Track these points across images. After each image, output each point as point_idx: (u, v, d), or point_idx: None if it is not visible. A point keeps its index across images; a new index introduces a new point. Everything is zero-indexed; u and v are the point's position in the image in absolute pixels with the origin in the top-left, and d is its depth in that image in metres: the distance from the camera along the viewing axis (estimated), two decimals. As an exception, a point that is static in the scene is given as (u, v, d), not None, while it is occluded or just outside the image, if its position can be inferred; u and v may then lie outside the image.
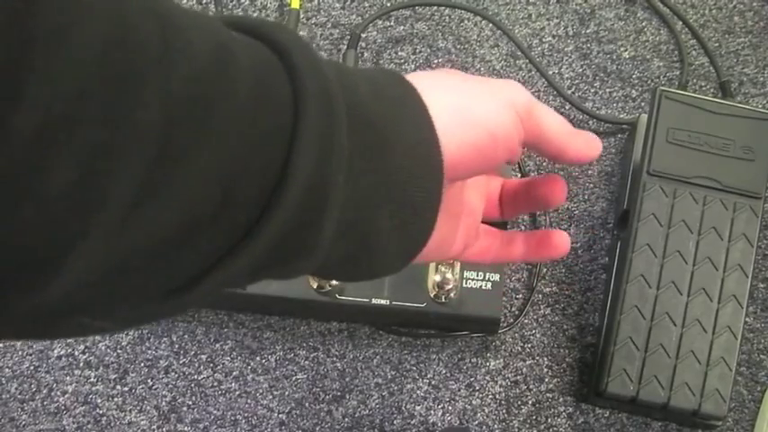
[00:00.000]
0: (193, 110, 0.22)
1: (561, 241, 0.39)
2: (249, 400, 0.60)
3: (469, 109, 0.32)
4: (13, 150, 0.18)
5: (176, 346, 0.61)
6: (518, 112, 0.34)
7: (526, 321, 0.62)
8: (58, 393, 0.60)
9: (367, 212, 0.28)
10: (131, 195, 0.20)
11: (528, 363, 0.61)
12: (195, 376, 0.61)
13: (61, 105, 0.18)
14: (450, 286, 0.56)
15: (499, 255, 0.40)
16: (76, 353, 0.61)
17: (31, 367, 0.61)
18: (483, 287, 0.57)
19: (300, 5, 0.70)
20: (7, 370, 0.61)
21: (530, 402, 0.60)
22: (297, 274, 0.28)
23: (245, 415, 0.60)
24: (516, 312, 0.62)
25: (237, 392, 0.60)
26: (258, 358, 0.61)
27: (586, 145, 0.36)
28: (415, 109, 0.30)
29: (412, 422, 0.59)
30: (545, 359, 0.61)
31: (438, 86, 0.32)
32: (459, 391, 0.60)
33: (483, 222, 0.41)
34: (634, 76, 0.69)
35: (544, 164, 0.66)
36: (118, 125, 0.19)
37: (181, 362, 0.61)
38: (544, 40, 0.70)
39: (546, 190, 0.38)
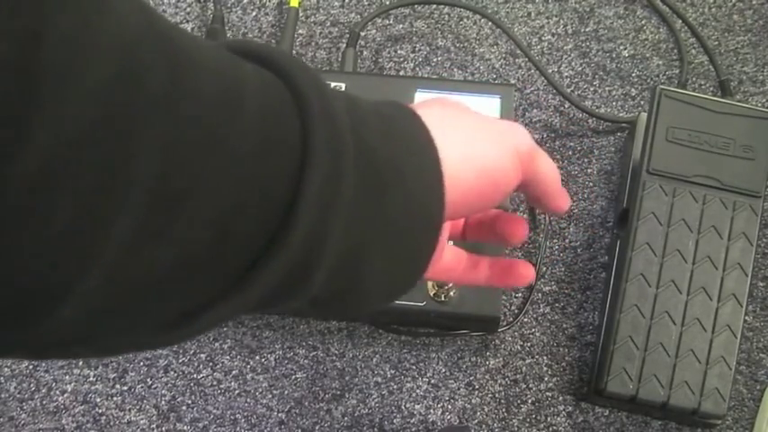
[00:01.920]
0: (195, 155, 0.21)
1: (525, 272, 0.40)
2: (248, 399, 0.60)
3: (479, 157, 0.33)
4: (16, 191, 0.18)
5: (175, 345, 0.61)
6: (520, 158, 0.35)
7: (526, 320, 0.62)
8: (58, 392, 0.60)
9: (359, 258, 0.28)
10: (129, 237, 0.20)
11: (527, 362, 0.61)
12: (194, 375, 0.60)
13: (64, 148, 0.18)
14: (449, 285, 0.56)
15: (463, 277, 0.41)
16: (75, 352, 0.61)
17: (30, 366, 0.61)
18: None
19: (299, 3, 0.70)
20: (6, 369, 0.61)
21: (529, 401, 0.60)
22: (284, 311, 0.28)
23: (245, 414, 0.60)
24: (516, 311, 0.62)
25: (237, 391, 0.60)
26: (257, 357, 0.61)
27: (565, 199, 0.39)
28: (424, 154, 0.30)
29: (411, 421, 0.59)
30: (545, 358, 0.61)
31: (449, 127, 0.32)
32: (458, 389, 0.60)
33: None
34: (633, 75, 0.69)
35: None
36: (118, 168, 0.19)
37: (180, 361, 0.61)
38: (543, 38, 0.70)
39: (508, 229, 0.40)
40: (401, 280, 0.31)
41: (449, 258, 0.40)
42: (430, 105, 0.34)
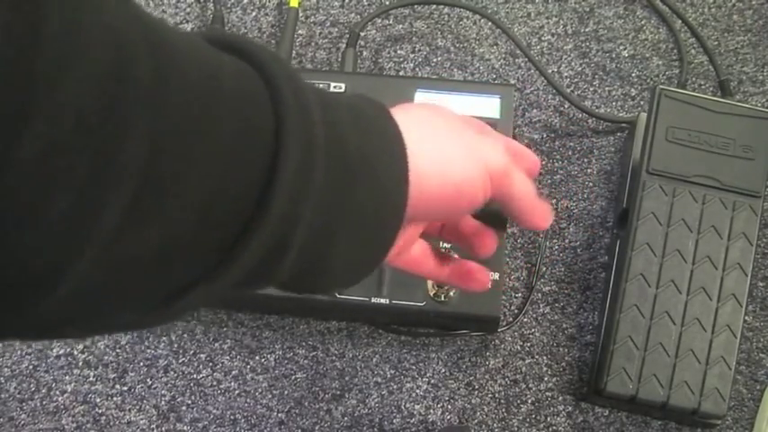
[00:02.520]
0: (180, 141, 0.23)
1: (482, 278, 0.43)
2: (248, 400, 0.60)
3: (446, 164, 0.34)
4: (17, 179, 0.19)
5: (175, 345, 0.61)
6: (490, 173, 0.36)
7: (525, 320, 0.62)
8: (57, 393, 0.60)
9: (326, 241, 0.30)
10: (119, 220, 0.21)
11: (527, 362, 0.61)
12: (194, 375, 0.60)
13: (61, 136, 0.19)
14: (449, 285, 0.56)
15: (432, 272, 0.43)
16: (75, 352, 0.61)
17: (30, 366, 0.61)
18: (482, 286, 0.57)
19: (299, 4, 0.70)
20: (6, 369, 0.61)
21: (529, 401, 0.60)
22: (255, 290, 0.30)
23: (245, 414, 0.60)
24: (516, 311, 0.62)
25: (237, 391, 0.60)
26: (257, 357, 0.61)
27: (542, 217, 0.40)
28: (392, 148, 0.32)
29: (411, 421, 0.59)
30: (544, 358, 0.61)
31: (422, 130, 0.34)
32: (458, 390, 0.60)
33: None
34: (633, 75, 0.69)
35: (543, 163, 0.66)
36: (110, 154, 0.20)
37: (180, 361, 0.61)
38: (543, 38, 0.70)
39: (477, 242, 0.42)
40: (363, 264, 0.33)
41: (418, 252, 0.42)
42: (409, 108, 0.36)
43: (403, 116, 0.33)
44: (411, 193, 0.32)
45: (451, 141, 0.35)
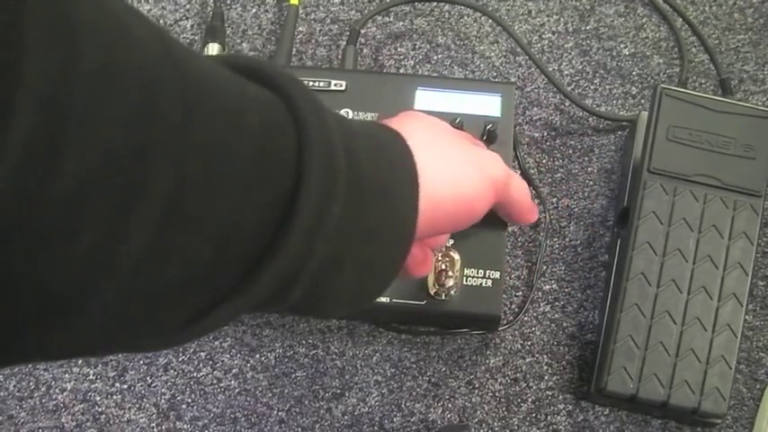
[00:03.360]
0: (204, 177, 0.23)
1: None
2: (248, 398, 0.60)
3: (460, 185, 0.37)
4: (49, 214, 0.19)
5: (175, 347, 0.61)
6: (495, 186, 0.39)
7: (526, 319, 0.62)
8: (57, 391, 0.60)
9: (334, 269, 0.30)
10: (141, 254, 0.22)
11: (528, 360, 0.61)
12: (194, 374, 0.60)
13: (92, 173, 0.20)
14: (450, 284, 0.56)
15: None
16: (75, 350, 0.61)
17: (30, 365, 0.60)
18: (483, 285, 0.57)
19: (299, 1, 0.69)
20: (6, 368, 0.60)
21: (529, 400, 0.60)
22: (264, 312, 0.31)
23: (245, 413, 0.59)
24: (516, 310, 0.62)
25: (237, 390, 0.60)
26: (257, 356, 0.61)
27: (534, 213, 0.48)
28: (406, 175, 0.33)
29: (411, 420, 0.59)
30: (545, 357, 0.61)
31: (433, 152, 0.35)
32: (458, 388, 0.60)
33: None
34: (634, 73, 0.69)
35: (543, 161, 0.66)
36: (137, 190, 0.21)
37: (180, 359, 0.61)
38: (544, 36, 0.70)
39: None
40: (369, 289, 0.34)
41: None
42: (412, 129, 0.36)
43: (414, 140, 0.34)
44: (426, 214, 0.33)
45: (459, 160, 0.37)
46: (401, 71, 0.69)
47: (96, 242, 0.21)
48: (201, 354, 0.61)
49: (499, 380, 0.60)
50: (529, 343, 0.61)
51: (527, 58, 0.68)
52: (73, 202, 0.19)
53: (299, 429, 0.59)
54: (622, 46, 0.70)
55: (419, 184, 0.33)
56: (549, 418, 0.59)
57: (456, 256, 0.56)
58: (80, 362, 0.60)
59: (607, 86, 0.68)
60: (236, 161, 0.24)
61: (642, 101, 0.68)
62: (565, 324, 0.62)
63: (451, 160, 0.36)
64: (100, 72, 0.20)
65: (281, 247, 0.26)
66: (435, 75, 0.69)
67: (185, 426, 0.59)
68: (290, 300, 0.29)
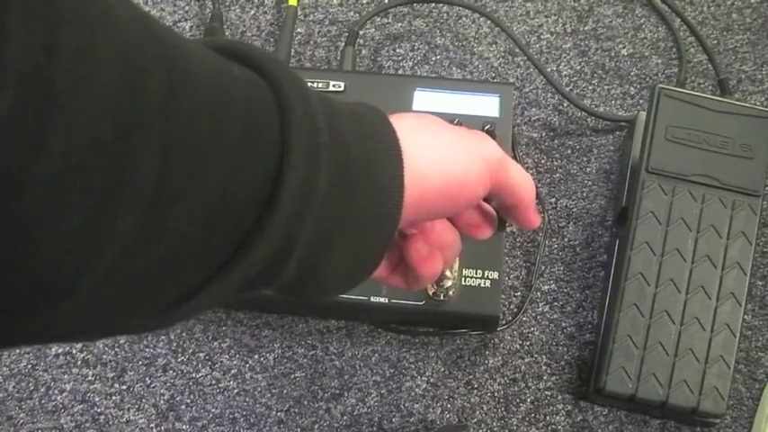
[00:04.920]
0: (191, 154, 0.23)
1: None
2: (247, 399, 0.60)
3: (446, 161, 0.35)
4: (34, 197, 0.19)
5: (174, 344, 0.61)
6: (489, 166, 0.37)
7: (525, 319, 0.62)
8: (56, 392, 0.60)
9: (323, 246, 0.30)
10: (130, 234, 0.22)
11: (526, 360, 0.61)
12: (193, 374, 0.60)
13: (76, 153, 0.20)
14: (449, 284, 0.56)
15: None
16: (74, 351, 0.61)
17: (29, 366, 0.61)
18: (482, 285, 0.57)
19: (298, 2, 0.70)
20: (5, 368, 0.60)
21: (528, 400, 0.60)
22: (257, 292, 0.31)
23: (244, 413, 0.59)
24: (515, 310, 0.62)
25: (236, 390, 0.60)
26: (256, 356, 0.61)
27: (537, 216, 0.41)
28: (391, 153, 0.33)
29: (410, 420, 0.59)
30: (543, 357, 0.61)
31: (418, 132, 0.35)
32: (457, 389, 0.60)
33: None
34: (632, 74, 0.69)
35: (542, 161, 0.66)
36: (123, 170, 0.21)
37: (179, 360, 0.61)
38: (542, 37, 0.70)
39: (474, 232, 0.42)
40: (357, 269, 0.34)
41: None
42: (403, 115, 0.36)
43: (400, 122, 0.34)
44: (412, 195, 0.33)
45: (450, 140, 0.36)
46: (400, 72, 0.69)
47: (83, 223, 0.20)
48: (200, 354, 0.61)
49: (498, 380, 0.60)
50: (528, 343, 0.61)
51: (525, 58, 0.68)
52: (58, 184, 0.19)
53: (298, 430, 0.59)
54: (621, 46, 0.70)
55: (403, 159, 0.33)
56: (547, 418, 0.59)
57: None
58: (79, 362, 0.61)
59: (605, 87, 0.68)
60: (221, 138, 0.24)
61: (641, 101, 0.68)
62: (564, 324, 0.62)
63: (440, 140, 0.36)
64: (83, 51, 0.20)
65: (269, 220, 0.26)
66: (434, 75, 0.69)
67: (184, 426, 0.59)
68: (283, 276, 0.29)
